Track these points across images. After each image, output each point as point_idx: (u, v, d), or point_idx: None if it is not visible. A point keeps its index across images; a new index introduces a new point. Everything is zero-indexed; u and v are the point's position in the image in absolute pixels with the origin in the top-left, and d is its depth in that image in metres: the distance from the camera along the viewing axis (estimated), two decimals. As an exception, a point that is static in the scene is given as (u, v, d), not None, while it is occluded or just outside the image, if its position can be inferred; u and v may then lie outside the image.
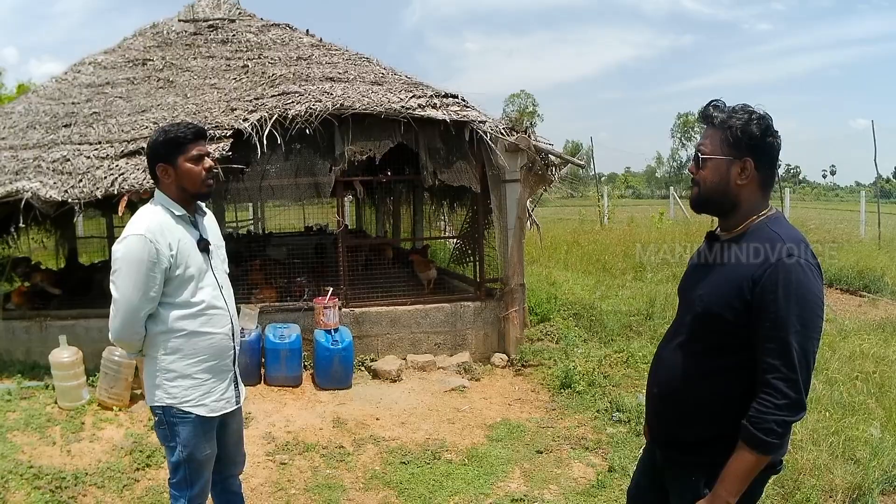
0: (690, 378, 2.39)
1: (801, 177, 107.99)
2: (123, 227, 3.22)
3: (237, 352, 3.37)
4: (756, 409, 2.16)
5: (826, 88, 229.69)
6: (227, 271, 3.48)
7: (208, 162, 3.20)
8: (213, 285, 3.24)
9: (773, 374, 2.14)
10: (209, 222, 3.41)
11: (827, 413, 5.55)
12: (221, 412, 3.27)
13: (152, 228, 3.06)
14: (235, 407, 3.38)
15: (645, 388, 2.72)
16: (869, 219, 18.31)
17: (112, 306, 3.07)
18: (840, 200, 50.47)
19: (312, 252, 10.25)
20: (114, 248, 3.10)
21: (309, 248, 10.72)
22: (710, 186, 2.37)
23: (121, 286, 3.03)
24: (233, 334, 3.31)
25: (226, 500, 3.64)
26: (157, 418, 3.23)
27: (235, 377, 3.38)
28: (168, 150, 3.14)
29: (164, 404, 3.16)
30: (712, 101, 2.41)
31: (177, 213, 3.17)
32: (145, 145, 3.63)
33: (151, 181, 3.25)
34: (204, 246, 3.24)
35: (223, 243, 3.51)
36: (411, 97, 7.79)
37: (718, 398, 2.32)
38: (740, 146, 2.29)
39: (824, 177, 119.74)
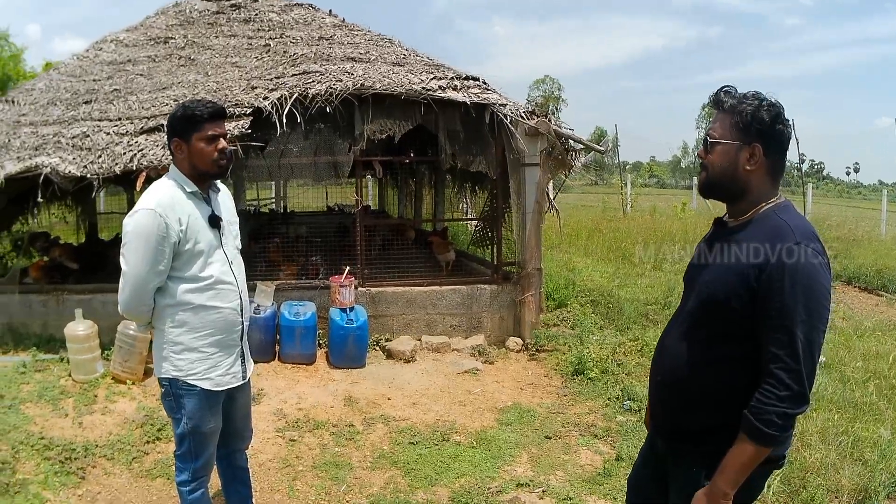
0: (695, 365, 2.36)
1: (824, 173, 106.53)
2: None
3: (245, 327, 3.39)
4: (758, 399, 2.13)
5: (850, 86, 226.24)
6: (240, 247, 3.48)
7: (222, 143, 3.19)
8: (222, 261, 3.25)
9: (776, 364, 2.11)
10: (223, 198, 3.42)
11: (838, 412, 5.47)
12: (227, 387, 3.29)
13: (163, 203, 3.07)
14: (242, 382, 3.40)
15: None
16: (890, 218, 18.03)
17: (121, 279, 3.09)
18: (862, 198, 49.70)
19: (332, 232, 10.30)
20: (124, 221, 3.12)
21: (329, 227, 10.78)
22: (718, 171, 2.34)
23: (130, 259, 3.05)
24: (241, 310, 3.32)
25: (232, 474, 3.67)
26: (163, 390, 3.27)
27: (243, 352, 3.39)
28: (184, 126, 3.14)
29: (170, 376, 3.19)
30: (724, 86, 2.37)
31: (188, 190, 3.18)
32: (165, 122, 3.63)
33: (170, 157, 3.26)
34: (215, 222, 3.24)
35: (237, 219, 3.52)
36: (432, 78, 7.74)
37: (723, 386, 2.28)
38: (749, 131, 2.26)
39: (847, 174, 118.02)
